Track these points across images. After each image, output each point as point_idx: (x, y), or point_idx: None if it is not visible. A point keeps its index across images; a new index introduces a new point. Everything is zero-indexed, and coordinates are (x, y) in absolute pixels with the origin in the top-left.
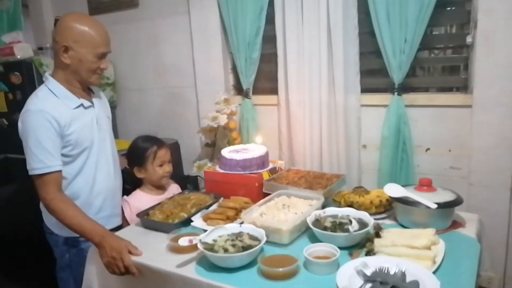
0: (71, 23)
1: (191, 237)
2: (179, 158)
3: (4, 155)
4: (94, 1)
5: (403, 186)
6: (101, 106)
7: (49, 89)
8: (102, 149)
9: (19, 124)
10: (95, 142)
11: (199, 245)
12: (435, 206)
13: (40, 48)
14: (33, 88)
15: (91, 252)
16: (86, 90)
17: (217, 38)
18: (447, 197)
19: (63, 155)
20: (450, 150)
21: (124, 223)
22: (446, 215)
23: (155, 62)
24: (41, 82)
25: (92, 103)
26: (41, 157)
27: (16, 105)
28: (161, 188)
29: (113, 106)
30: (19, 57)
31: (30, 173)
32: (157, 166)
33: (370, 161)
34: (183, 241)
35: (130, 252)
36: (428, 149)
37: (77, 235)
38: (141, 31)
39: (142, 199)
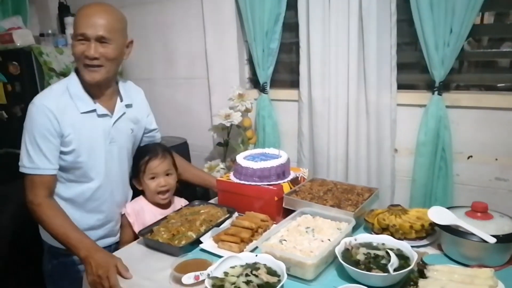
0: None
1: (197, 273)
2: (187, 158)
3: (4, 150)
4: None
5: (449, 208)
6: (126, 117)
7: (66, 86)
8: (109, 169)
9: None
10: (99, 158)
11: (206, 282)
12: (494, 240)
13: (42, 35)
14: (33, 80)
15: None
16: (115, 95)
17: (231, 25)
18: (507, 227)
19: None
20: (496, 159)
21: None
22: (505, 250)
23: (164, 50)
24: (40, 73)
25: (111, 112)
26: (34, 156)
27: (16, 97)
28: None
29: None
30: (18, 44)
31: (20, 170)
32: (149, 179)
33: (402, 168)
34: (188, 279)
35: (118, 273)
36: (471, 156)
37: (60, 246)
38: (149, 16)
39: (143, 208)
